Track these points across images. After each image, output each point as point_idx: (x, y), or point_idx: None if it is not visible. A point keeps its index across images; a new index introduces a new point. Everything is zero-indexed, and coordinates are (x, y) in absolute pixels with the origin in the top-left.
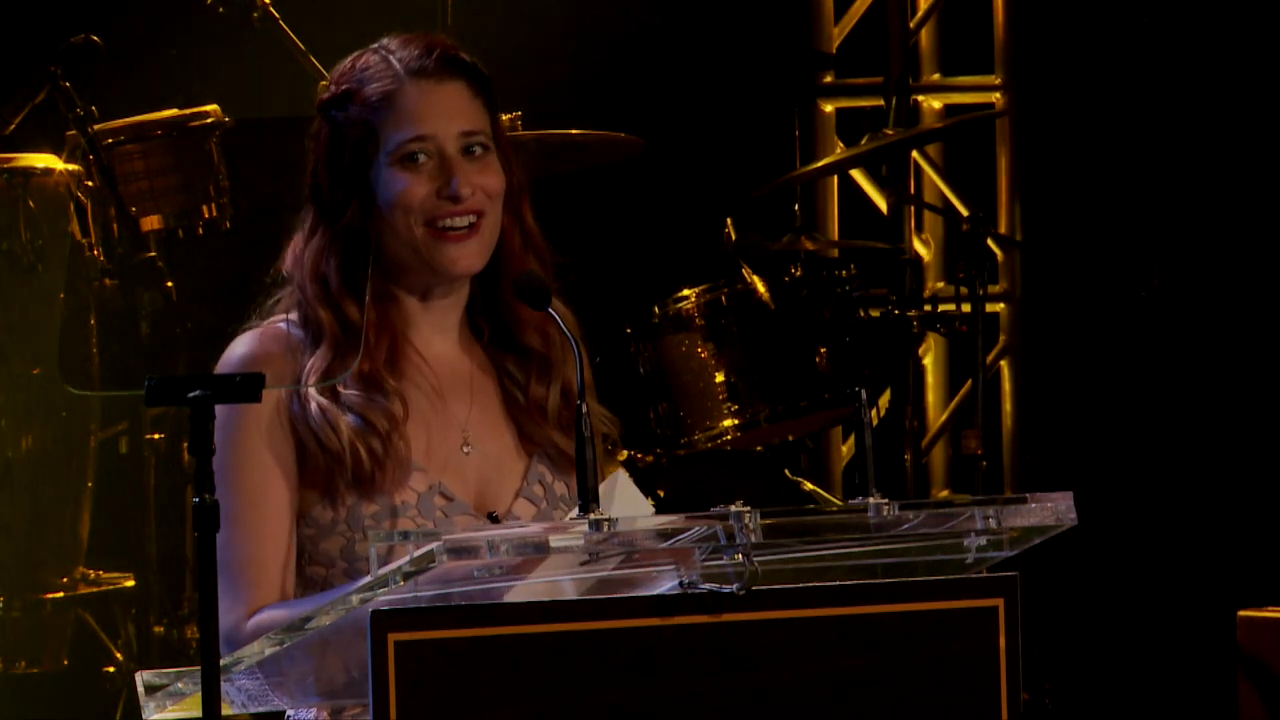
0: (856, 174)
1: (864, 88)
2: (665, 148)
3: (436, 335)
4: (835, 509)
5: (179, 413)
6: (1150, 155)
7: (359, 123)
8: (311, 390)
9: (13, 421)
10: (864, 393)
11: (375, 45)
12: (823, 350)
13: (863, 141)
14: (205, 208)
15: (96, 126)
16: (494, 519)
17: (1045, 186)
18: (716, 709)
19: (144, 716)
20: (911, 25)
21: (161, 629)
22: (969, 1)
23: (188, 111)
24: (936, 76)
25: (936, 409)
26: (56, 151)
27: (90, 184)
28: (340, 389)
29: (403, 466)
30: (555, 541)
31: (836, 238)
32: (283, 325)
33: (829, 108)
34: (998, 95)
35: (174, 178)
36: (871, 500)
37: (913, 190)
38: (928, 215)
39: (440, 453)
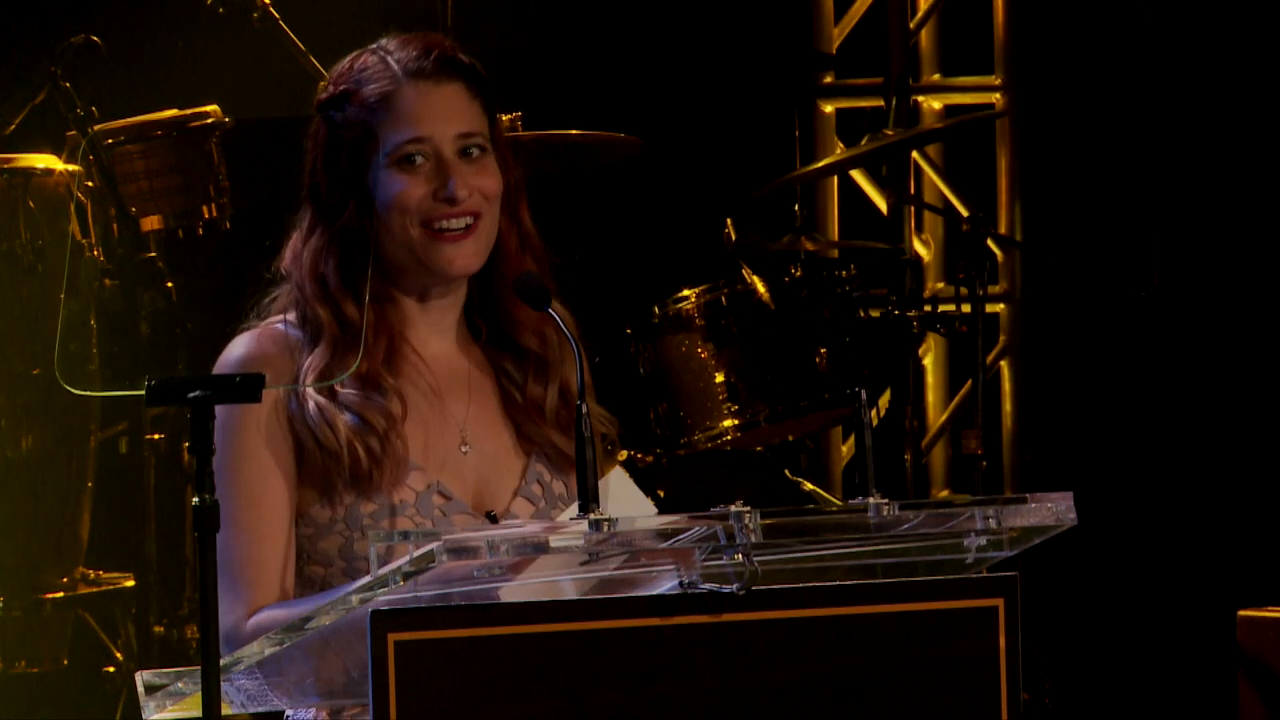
0: (856, 174)
1: (864, 88)
2: (665, 148)
3: (434, 335)
4: (835, 509)
5: (179, 413)
6: (1150, 155)
7: (357, 123)
8: (309, 389)
9: (13, 421)
10: (864, 393)
11: (373, 46)
12: (823, 350)
13: (863, 142)
14: (205, 208)
15: (96, 126)
16: (492, 518)
17: (1045, 186)
18: (716, 709)
19: (144, 716)
20: (911, 25)
21: (161, 629)
22: (969, 1)
23: (188, 111)
24: (936, 77)
25: (936, 409)
26: (56, 151)
27: (90, 184)
28: (338, 388)
29: (400, 465)
30: (555, 541)
31: (836, 238)
32: (280, 326)
33: (829, 108)
34: (998, 95)
35: (174, 178)
36: (871, 500)
37: (913, 190)
38: (928, 215)
39: (438, 452)
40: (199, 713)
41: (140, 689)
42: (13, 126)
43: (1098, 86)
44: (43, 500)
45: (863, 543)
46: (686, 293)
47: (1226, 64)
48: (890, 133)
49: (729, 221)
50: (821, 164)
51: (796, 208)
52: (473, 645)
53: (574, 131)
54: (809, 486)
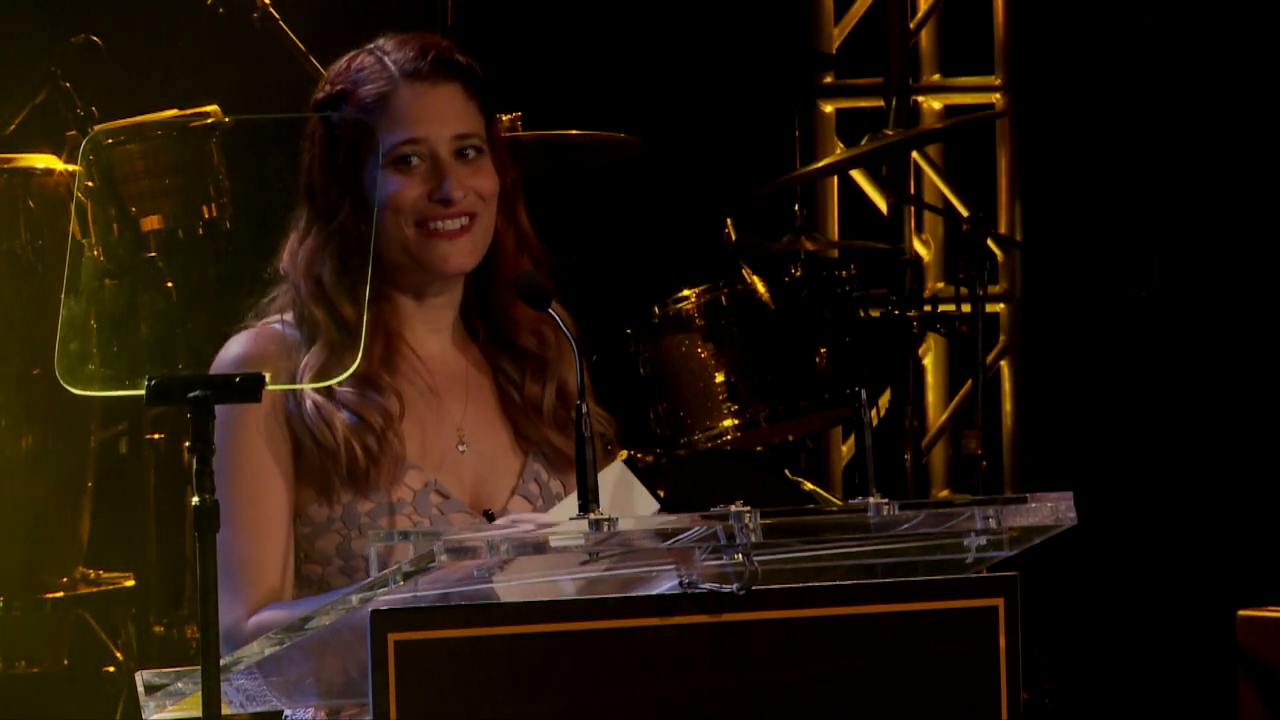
0: (856, 174)
1: (864, 88)
2: (665, 148)
3: (431, 335)
4: (835, 509)
5: (179, 413)
6: (1150, 156)
7: (353, 124)
8: (307, 388)
9: (13, 421)
10: (864, 393)
11: (371, 46)
12: (823, 350)
13: (863, 142)
14: (205, 208)
15: (96, 126)
16: (489, 517)
17: (1045, 186)
18: (716, 709)
19: (144, 716)
20: (911, 25)
21: (161, 629)
22: (969, 1)
23: (188, 112)
24: (936, 77)
25: (936, 409)
26: (56, 151)
27: (90, 184)
28: (335, 387)
29: (398, 464)
30: (555, 541)
31: (836, 238)
32: (277, 325)
33: (829, 108)
34: (998, 95)
35: (174, 178)
36: (871, 500)
37: (913, 190)
38: (928, 215)
39: (435, 450)
40: (199, 713)
41: (140, 689)
42: (13, 126)
43: (1098, 86)
44: (43, 500)
45: (863, 543)
46: (686, 293)
47: (1226, 64)
48: (890, 133)
49: (729, 221)
50: (821, 164)
51: (796, 208)
52: (473, 645)
53: (574, 131)
54: (809, 486)
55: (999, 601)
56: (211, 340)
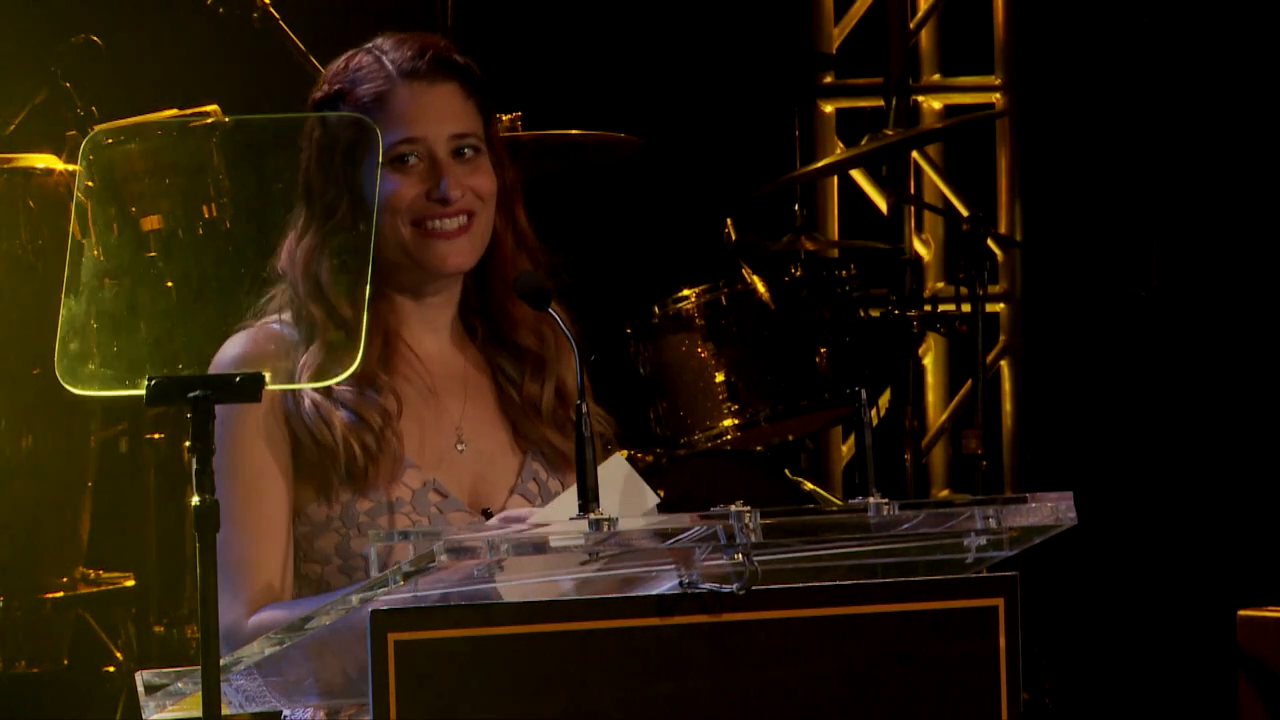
0: (856, 174)
1: (864, 88)
2: (665, 148)
3: (429, 334)
4: (835, 509)
5: (179, 413)
6: (1150, 156)
7: (351, 123)
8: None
9: (13, 421)
10: (864, 393)
11: (368, 45)
12: (823, 350)
13: (863, 142)
14: (205, 208)
15: (96, 126)
16: (488, 516)
17: (1045, 186)
18: (716, 709)
19: (144, 716)
20: (911, 25)
21: (161, 629)
22: (969, 1)
23: (188, 112)
24: (936, 77)
25: (936, 409)
26: (56, 151)
27: (90, 184)
28: (333, 385)
29: (396, 463)
30: (555, 541)
31: (836, 238)
32: (276, 325)
33: (829, 108)
34: (998, 95)
35: (174, 178)
36: (871, 500)
37: (913, 190)
38: (928, 215)
39: (434, 449)
40: (199, 713)
41: (140, 689)
42: (13, 126)
43: (1098, 86)
44: (43, 500)
45: (863, 543)
46: (686, 293)
47: (1226, 64)
48: (890, 133)
49: (729, 221)
50: (821, 164)
51: (796, 208)
52: (473, 645)
53: (574, 131)
54: (809, 486)
55: (999, 601)
56: (211, 340)
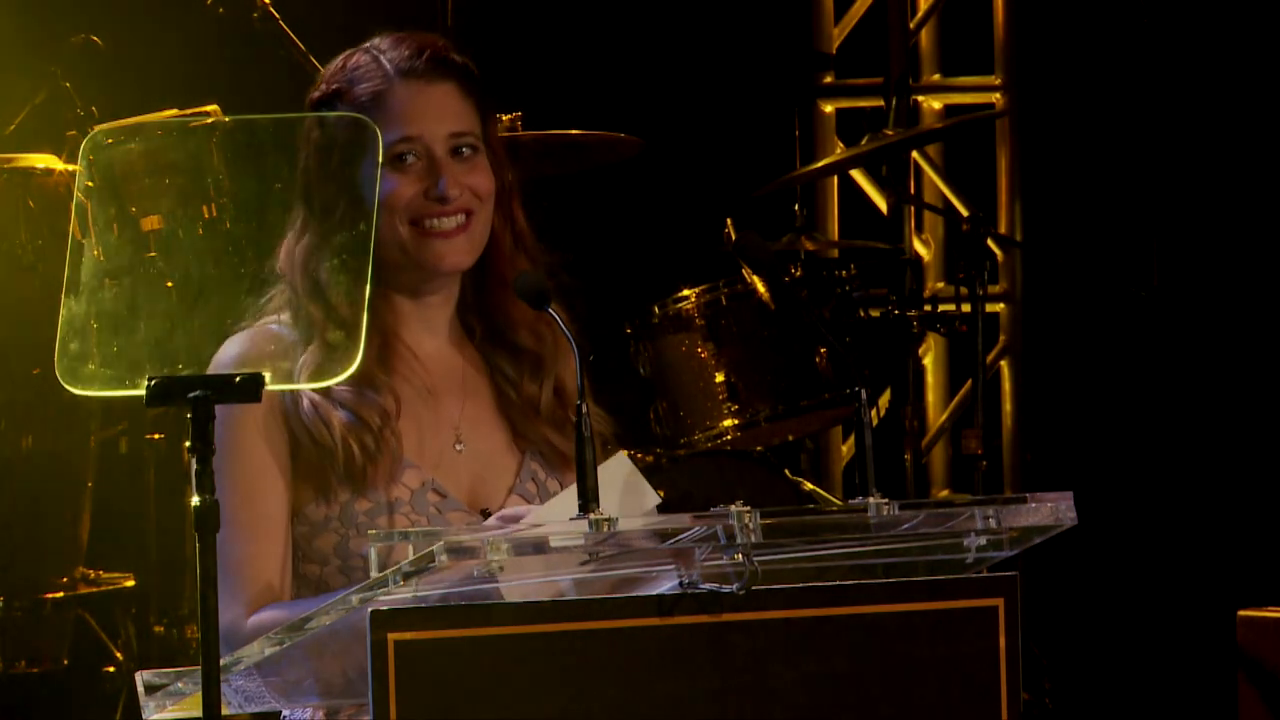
0: (856, 174)
1: (864, 88)
2: (665, 148)
3: (427, 333)
4: (835, 509)
5: (179, 413)
6: (1150, 156)
7: (349, 122)
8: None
9: (13, 421)
10: (864, 393)
11: (366, 44)
12: (823, 350)
13: (863, 141)
14: (205, 208)
15: (96, 126)
16: (487, 516)
17: (1045, 186)
18: (716, 709)
19: (144, 716)
20: (911, 25)
21: (161, 629)
22: (969, 1)
23: (188, 112)
24: (936, 77)
25: (936, 409)
26: (56, 151)
27: (90, 184)
28: (332, 385)
29: (395, 462)
30: (555, 541)
31: (836, 238)
32: (275, 326)
33: (829, 108)
34: (998, 95)
35: (174, 178)
36: (871, 500)
37: (913, 190)
38: (928, 215)
39: (433, 449)
40: (199, 713)
41: (140, 689)
42: (13, 126)
43: (1098, 86)
44: (43, 500)
45: (863, 543)
46: (686, 293)
47: (1226, 64)
48: (890, 133)
49: (729, 221)
50: (821, 164)
51: (796, 208)
52: (473, 645)
53: (574, 131)
54: (809, 486)
55: (999, 601)
56: (211, 340)
